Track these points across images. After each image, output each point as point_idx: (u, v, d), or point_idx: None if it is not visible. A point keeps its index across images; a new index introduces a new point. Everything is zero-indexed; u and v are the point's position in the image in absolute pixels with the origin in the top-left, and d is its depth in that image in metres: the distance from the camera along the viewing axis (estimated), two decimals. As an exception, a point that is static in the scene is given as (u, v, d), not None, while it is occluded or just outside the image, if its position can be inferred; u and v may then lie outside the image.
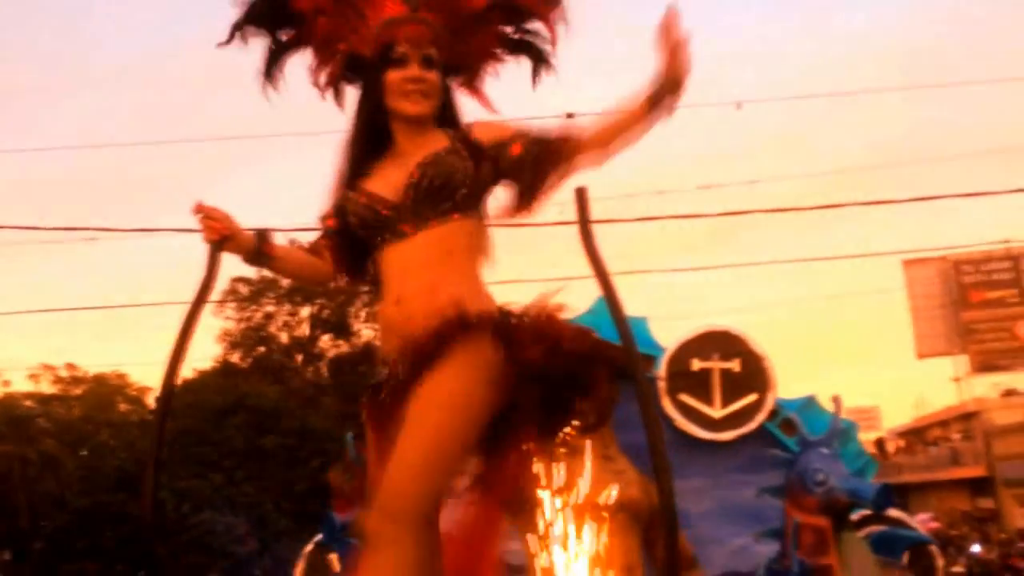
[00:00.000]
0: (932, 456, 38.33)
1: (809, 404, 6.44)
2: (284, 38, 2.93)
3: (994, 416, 33.39)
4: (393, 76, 2.69)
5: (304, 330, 27.91)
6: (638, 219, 12.62)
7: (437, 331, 2.45)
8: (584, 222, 2.90)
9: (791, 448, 6.29)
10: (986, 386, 33.37)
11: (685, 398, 6.43)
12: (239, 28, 2.88)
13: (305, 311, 28.01)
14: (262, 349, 27.09)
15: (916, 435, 41.47)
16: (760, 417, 6.37)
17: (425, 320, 2.48)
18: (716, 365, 6.47)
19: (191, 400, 20.26)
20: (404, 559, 2.37)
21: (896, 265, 30.38)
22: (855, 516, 5.99)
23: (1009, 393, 33.24)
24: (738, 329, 6.54)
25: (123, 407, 27.90)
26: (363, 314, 27.75)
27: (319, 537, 7.11)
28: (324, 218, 2.81)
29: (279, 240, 2.83)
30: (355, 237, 2.72)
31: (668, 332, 6.79)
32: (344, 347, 27.75)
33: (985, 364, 32.14)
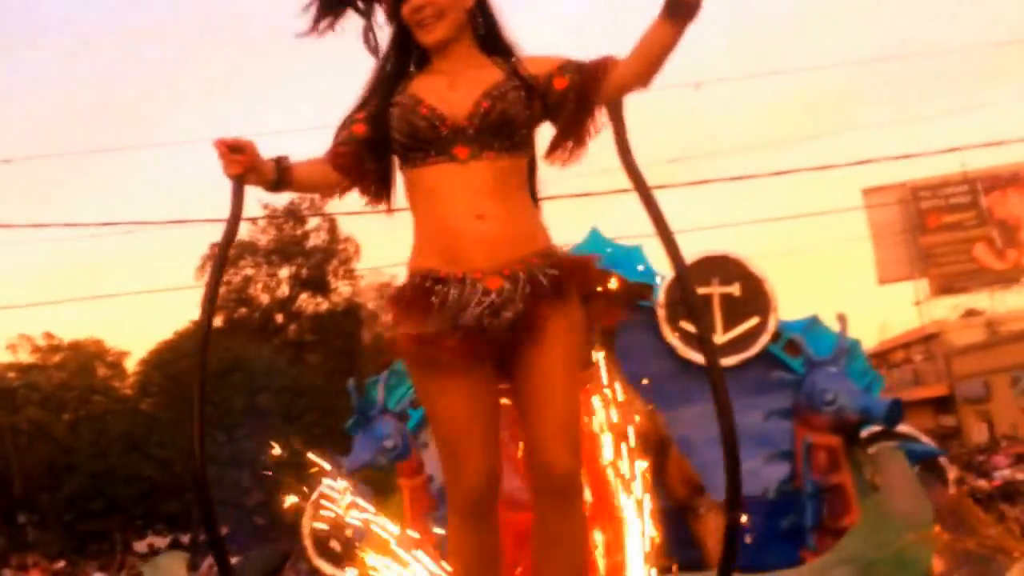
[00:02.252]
0: (896, 378, 38.65)
1: (813, 324, 6.16)
2: None
3: (953, 337, 33.62)
4: (404, 9, 2.57)
5: (284, 290, 27.51)
6: (615, 191, 12.87)
7: (564, 269, 2.50)
8: (621, 136, 2.65)
9: (796, 369, 6.03)
10: (946, 308, 33.58)
11: (686, 325, 6.10)
12: None
13: (284, 271, 27.60)
14: (244, 310, 26.69)
15: (880, 358, 41.76)
16: (763, 340, 6.09)
17: (521, 244, 2.49)
18: (716, 290, 6.17)
19: (188, 364, 20.44)
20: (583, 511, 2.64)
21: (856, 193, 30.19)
22: (864, 433, 5.71)
23: (969, 313, 33.45)
24: (737, 253, 6.22)
25: (102, 372, 27.52)
26: (341, 271, 27.41)
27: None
28: (351, 123, 2.65)
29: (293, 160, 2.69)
30: (382, 146, 2.61)
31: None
32: (324, 304, 27.40)
33: (944, 287, 32.31)
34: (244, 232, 27.35)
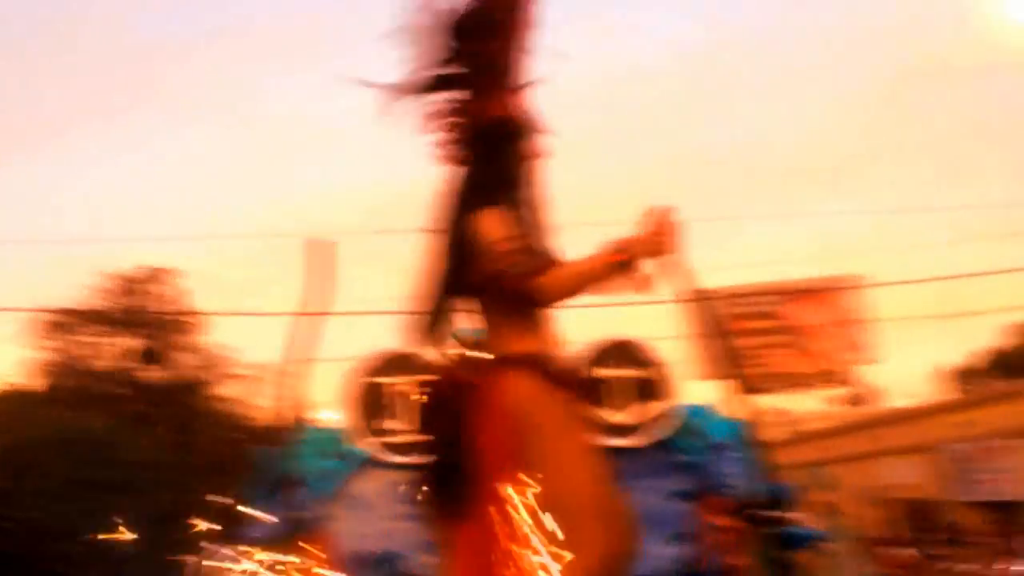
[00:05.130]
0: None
1: (709, 410, 6.18)
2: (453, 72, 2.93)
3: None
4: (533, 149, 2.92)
5: (127, 360, 25.77)
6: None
7: None
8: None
9: (693, 452, 5.98)
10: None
11: (591, 407, 5.98)
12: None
13: (128, 341, 25.90)
14: (83, 380, 24.81)
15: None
16: (662, 423, 6.04)
17: None
18: (620, 373, 6.09)
19: (31, 434, 18.64)
20: None
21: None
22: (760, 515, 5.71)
23: (774, 412, 34.81)
24: (640, 339, 6.21)
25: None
26: (184, 343, 26.00)
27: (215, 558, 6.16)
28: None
29: None
30: None
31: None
32: (164, 376, 25.81)
33: (750, 387, 33.51)
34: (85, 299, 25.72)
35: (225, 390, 27.51)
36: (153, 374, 25.84)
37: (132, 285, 26.23)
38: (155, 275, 26.31)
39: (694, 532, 5.76)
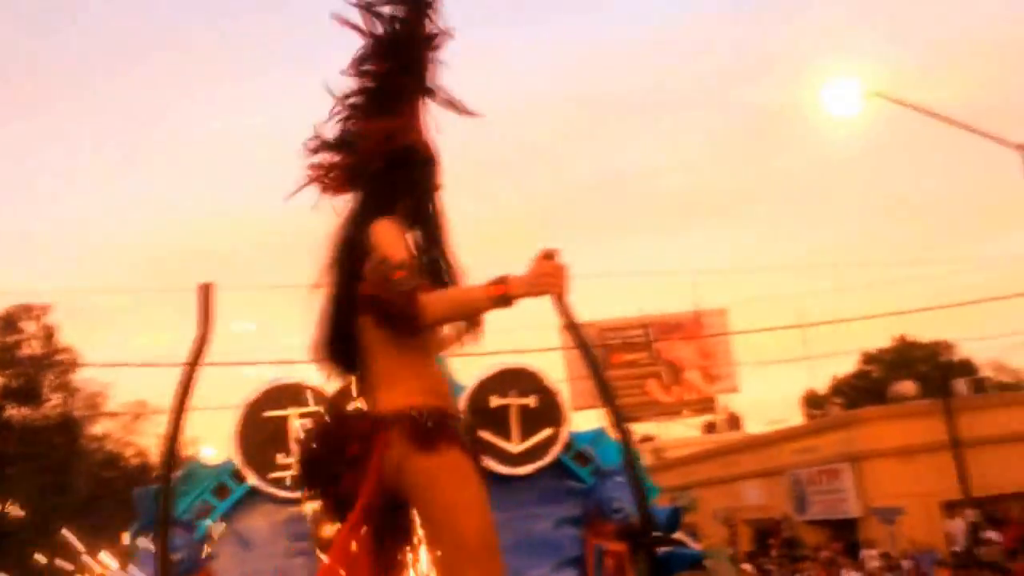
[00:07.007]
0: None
1: (600, 436, 6.10)
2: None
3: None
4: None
5: (-3, 399, 24.08)
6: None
7: None
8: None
9: (584, 479, 5.90)
10: (623, 434, 35.28)
11: (484, 435, 5.81)
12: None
13: (-2, 380, 24.26)
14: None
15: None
16: (555, 450, 5.94)
17: None
18: (513, 401, 5.96)
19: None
20: None
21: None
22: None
23: (643, 440, 35.41)
24: (534, 366, 6.08)
25: None
26: (56, 382, 24.53)
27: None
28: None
29: None
30: None
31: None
32: (34, 416, 24.22)
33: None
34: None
35: (99, 428, 26.13)
36: (19, 413, 24.23)
37: (3, 322, 24.69)
38: (27, 312, 24.83)
39: (583, 557, 5.62)
